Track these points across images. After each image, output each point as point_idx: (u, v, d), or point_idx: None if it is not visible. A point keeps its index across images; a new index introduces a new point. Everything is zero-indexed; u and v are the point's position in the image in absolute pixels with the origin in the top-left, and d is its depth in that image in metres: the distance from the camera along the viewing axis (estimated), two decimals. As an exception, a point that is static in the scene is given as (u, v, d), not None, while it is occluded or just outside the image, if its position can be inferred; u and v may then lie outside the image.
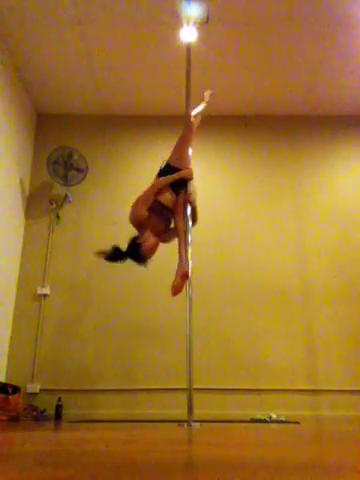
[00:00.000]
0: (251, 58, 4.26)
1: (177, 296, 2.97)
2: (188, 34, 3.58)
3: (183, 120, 3.33)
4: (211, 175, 4.81)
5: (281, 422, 3.57)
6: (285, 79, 4.52)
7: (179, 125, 3.42)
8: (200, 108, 3.57)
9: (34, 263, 4.41)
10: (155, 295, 4.18)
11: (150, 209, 2.96)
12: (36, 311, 4.24)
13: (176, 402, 3.69)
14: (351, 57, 4.23)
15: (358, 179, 4.80)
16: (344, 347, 4.14)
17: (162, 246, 3.09)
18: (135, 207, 2.98)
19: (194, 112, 3.40)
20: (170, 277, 2.96)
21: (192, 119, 3.26)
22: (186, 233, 3.04)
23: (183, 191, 3.14)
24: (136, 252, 2.92)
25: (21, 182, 4.50)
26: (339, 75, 4.45)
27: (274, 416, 3.69)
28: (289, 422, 3.55)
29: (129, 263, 4.35)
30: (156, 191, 3.00)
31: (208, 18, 3.69)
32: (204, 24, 3.73)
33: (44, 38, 4.04)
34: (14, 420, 3.44)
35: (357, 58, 4.24)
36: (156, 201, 3.01)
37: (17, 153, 4.43)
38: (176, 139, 3.27)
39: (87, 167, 4.56)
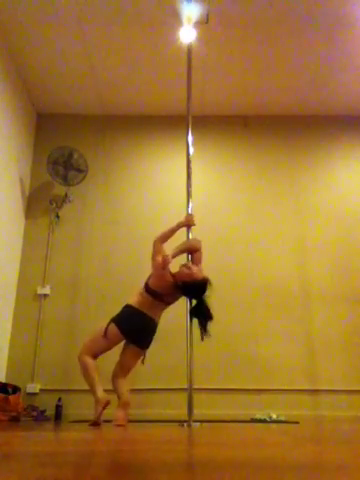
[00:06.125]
0: (251, 58, 4.26)
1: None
2: (188, 34, 3.58)
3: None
4: (211, 175, 4.81)
5: (281, 422, 3.57)
6: (285, 79, 4.52)
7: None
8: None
9: (34, 263, 4.41)
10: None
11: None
12: (36, 311, 4.24)
13: (176, 402, 3.69)
14: (351, 57, 4.23)
15: (358, 179, 4.81)
16: (344, 347, 4.14)
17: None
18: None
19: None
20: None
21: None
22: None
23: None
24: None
25: (21, 182, 4.50)
26: (339, 75, 4.45)
27: (274, 416, 3.69)
28: (289, 422, 3.56)
29: (128, 263, 4.37)
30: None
31: (208, 18, 3.69)
32: (204, 24, 3.73)
33: (44, 38, 4.04)
34: (14, 420, 3.44)
35: (357, 58, 4.25)
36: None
37: (17, 153, 4.43)
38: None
39: (87, 167, 4.56)
